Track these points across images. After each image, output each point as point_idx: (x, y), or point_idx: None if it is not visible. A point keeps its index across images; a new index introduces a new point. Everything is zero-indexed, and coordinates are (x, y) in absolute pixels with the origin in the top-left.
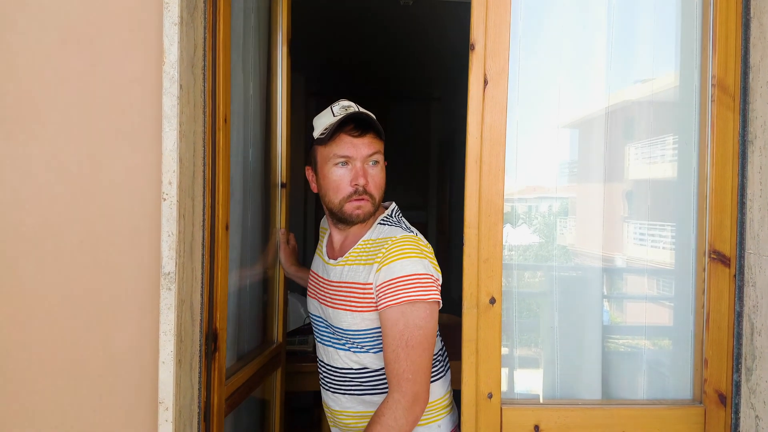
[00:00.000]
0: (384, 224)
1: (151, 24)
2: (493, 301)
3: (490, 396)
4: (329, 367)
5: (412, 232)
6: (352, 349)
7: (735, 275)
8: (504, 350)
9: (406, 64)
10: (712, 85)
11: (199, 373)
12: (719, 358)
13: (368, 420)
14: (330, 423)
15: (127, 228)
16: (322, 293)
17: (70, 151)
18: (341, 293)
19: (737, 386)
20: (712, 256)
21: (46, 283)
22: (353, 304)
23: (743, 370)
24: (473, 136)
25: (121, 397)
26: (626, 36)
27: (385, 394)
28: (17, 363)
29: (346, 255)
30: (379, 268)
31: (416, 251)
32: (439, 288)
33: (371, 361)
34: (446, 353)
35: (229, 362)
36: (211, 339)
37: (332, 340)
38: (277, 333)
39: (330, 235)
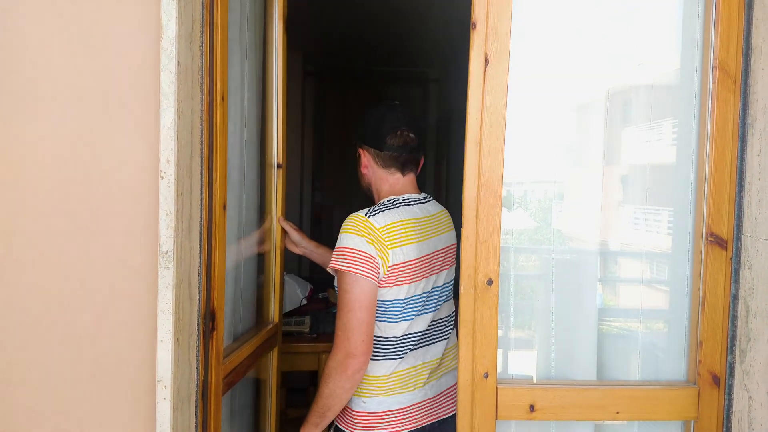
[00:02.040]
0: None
1: None
2: (490, 282)
3: (486, 376)
4: None
5: (368, 214)
6: None
7: (731, 258)
8: (500, 332)
9: (404, 45)
10: (713, 66)
11: (197, 351)
12: (714, 340)
13: None
14: None
15: (124, 207)
16: None
17: (66, 130)
18: None
19: (731, 368)
20: (709, 239)
21: (42, 262)
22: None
23: (737, 352)
24: (473, 117)
25: (119, 375)
26: (628, 17)
27: None
28: (14, 343)
29: None
30: None
31: (352, 228)
32: (376, 265)
33: None
34: (408, 344)
35: (226, 342)
36: (209, 318)
37: None
38: (273, 313)
39: None
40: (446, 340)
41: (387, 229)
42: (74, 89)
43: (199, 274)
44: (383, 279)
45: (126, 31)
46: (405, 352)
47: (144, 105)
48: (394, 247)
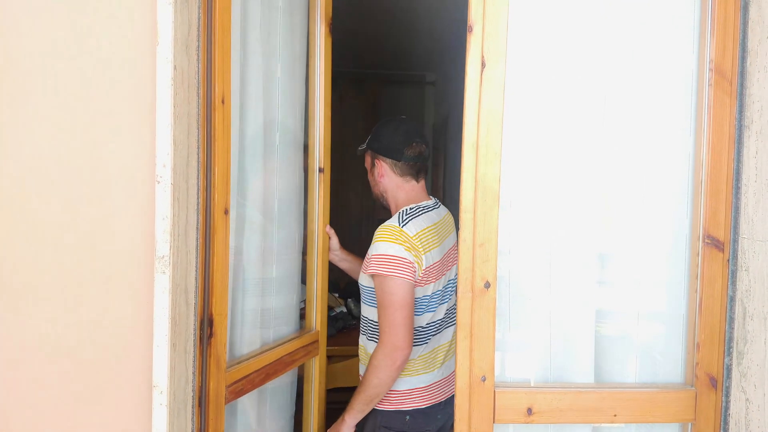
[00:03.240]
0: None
1: (145, 3)
2: (487, 285)
3: (484, 379)
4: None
5: (400, 223)
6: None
7: (729, 260)
8: (497, 334)
9: (401, 48)
10: (709, 69)
11: (194, 357)
12: (711, 342)
13: (364, 353)
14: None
15: (120, 211)
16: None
17: (62, 134)
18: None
19: (728, 370)
20: (706, 241)
21: (39, 266)
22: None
23: (735, 354)
24: (470, 119)
25: (114, 380)
26: (624, 19)
27: (365, 337)
28: (9, 347)
29: None
30: (371, 246)
31: (390, 237)
32: (414, 268)
33: (364, 309)
34: (430, 331)
35: (247, 348)
36: (206, 324)
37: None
38: (316, 321)
39: None
40: (455, 325)
41: (419, 237)
42: (70, 94)
43: (196, 279)
44: (418, 280)
45: (122, 36)
46: (429, 338)
47: (140, 109)
48: (426, 252)
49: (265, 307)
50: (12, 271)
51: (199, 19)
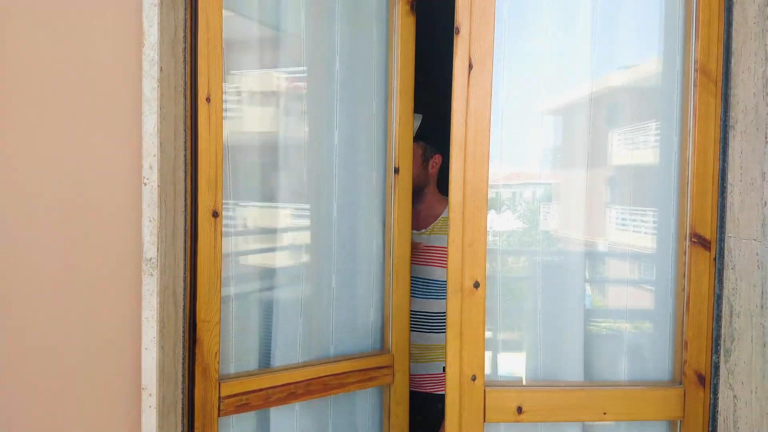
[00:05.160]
0: None
1: (131, 5)
2: (477, 285)
3: (474, 378)
4: (421, 313)
5: None
6: (441, 297)
7: (715, 258)
8: (488, 334)
9: None
10: (694, 70)
11: (183, 359)
12: (699, 339)
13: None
14: (412, 359)
15: (107, 214)
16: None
17: (49, 137)
18: (434, 254)
19: (716, 367)
20: (693, 239)
21: (25, 270)
22: (445, 260)
23: (722, 352)
24: (458, 121)
25: (103, 383)
26: (610, 21)
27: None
28: None
29: (431, 227)
30: None
31: None
32: None
33: None
34: None
35: (281, 361)
36: (194, 329)
37: (425, 291)
38: (391, 342)
39: None
40: None
41: None
42: (55, 95)
43: (184, 282)
44: None
45: (108, 38)
46: None
47: (126, 111)
48: None
49: (317, 320)
50: None
51: (185, 20)
